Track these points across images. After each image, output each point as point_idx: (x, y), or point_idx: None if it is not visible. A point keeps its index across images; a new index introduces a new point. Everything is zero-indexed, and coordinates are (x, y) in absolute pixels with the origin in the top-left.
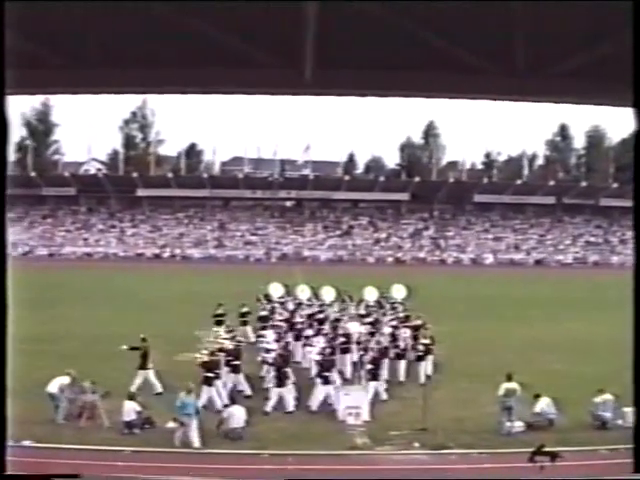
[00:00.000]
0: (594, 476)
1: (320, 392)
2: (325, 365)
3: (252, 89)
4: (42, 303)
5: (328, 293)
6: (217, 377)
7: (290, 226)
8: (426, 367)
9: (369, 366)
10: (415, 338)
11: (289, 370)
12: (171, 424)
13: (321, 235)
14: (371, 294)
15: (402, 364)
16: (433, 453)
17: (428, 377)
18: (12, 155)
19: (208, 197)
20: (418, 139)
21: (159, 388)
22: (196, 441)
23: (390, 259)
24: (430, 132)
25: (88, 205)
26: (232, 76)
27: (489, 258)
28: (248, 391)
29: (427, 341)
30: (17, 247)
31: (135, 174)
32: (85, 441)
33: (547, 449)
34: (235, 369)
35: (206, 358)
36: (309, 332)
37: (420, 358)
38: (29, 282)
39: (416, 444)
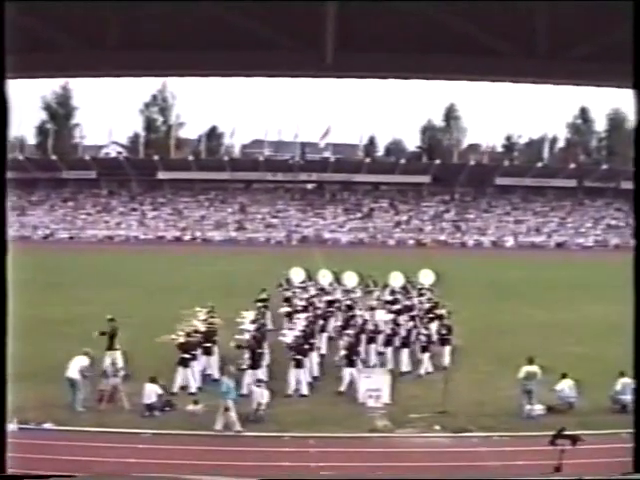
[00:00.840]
0: (594, 475)
1: (346, 375)
2: (350, 352)
3: (273, 72)
4: (62, 285)
5: (350, 278)
6: (194, 358)
7: (311, 209)
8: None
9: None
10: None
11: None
12: (191, 407)
13: (342, 218)
14: (397, 279)
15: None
16: (454, 436)
17: (444, 367)
18: (33, 138)
19: (229, 180)
20: (439, 121)
21: (123, 370)
22: (238, 424)
23: (411, 242)
24: (451, 114)
25: (109, 188)
26: (253, 59)
27: (510, 241)
28: (216, 375)
29: (445, 331)
30: (38, 230)
31: (156, 157)
32: (105, 424)
33: (568, 432)
34: (208, 351)
35: (182, 339)
36: (332, 320)
37: (441, 343)
38: (50, 265)
39: (437, 427)
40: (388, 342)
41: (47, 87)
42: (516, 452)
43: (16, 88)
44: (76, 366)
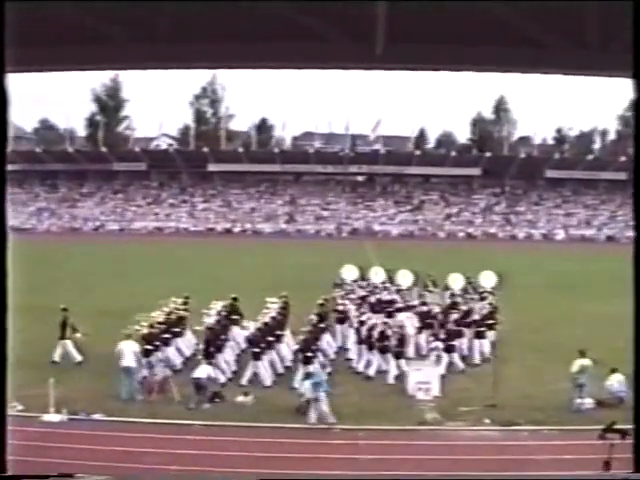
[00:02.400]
0: (594, 474)
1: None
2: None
3: (323, 64)
4: (114, 277)
5: (405, 277)
6: (156, 349)
7: (361, 201)
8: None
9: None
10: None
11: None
12: (241, 398)
13: (392, 210)
14: (457, 281)
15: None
16: (503, 429)
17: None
18: (83, 131)
19: (279, 172)
20: (489, 114)
21: (78, 357)
22: (331, 417)
23: (461, 234)
24: (501, 107)
25: (159, 180)
26: (304, 51)
27: (560, 234)
28: (179, 366)
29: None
30: (88, 222)
31: (206, 149)
32: (156, 415)
33: (618, 427)
34: (167, 342)
35: (145, 330)
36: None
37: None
38: (101, 256)
39: (486, 420)
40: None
41: (97, 79)
42: (565, 446)
43: (66, 80)
44: (130, 354)
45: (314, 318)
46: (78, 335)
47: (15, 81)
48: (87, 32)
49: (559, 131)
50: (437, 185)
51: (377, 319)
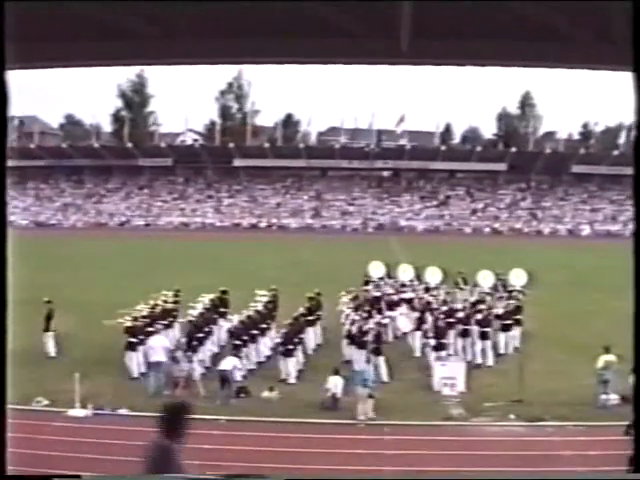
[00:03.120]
0: (594, 474)
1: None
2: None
3: (349, 59)
4: (140, 273)
5: (434, 275)
6: (141, 343)
7: (387, 196)
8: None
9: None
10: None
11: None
12: (267, 393)
13: (418, 205)
14: (486, 279)
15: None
16: (528, 425)
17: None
18: (109, 126)
19: (305, 167)
20: (515, 109)
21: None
22: (371, 412)
23: (487, 229)
24: (527, 102)
25: (185, 175)
26: (329, 46)
27: (586, 229)
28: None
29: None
30: (114, 217)
31: (232, 144)
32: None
33: None
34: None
35: (129, 324)
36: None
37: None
38: (128, 252)
39: (511, 416)
40: (465, 333)
41: (123, 75)
42: (590, 442)
43: (91, 76)
44: (160, 349)
45: (301, 311)
46: (54, 330)
47: (41, 77)
48: (112, 28)
49: (585, 126)
50: (463, 180)
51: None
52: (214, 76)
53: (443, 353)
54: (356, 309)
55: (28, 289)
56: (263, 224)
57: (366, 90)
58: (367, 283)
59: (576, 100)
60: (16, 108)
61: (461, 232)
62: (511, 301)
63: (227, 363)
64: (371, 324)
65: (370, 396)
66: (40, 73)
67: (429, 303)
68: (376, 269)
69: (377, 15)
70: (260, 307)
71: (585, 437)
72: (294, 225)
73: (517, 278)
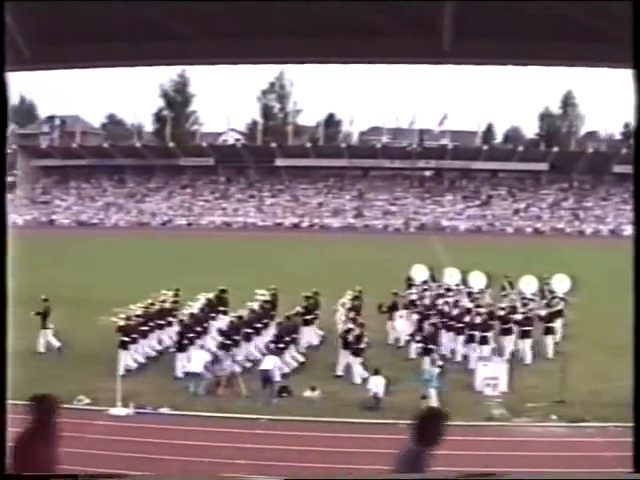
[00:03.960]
0: (594, 474)
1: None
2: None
3: (391, 58)
4: (181, 272)
5: (478, 279)
6: (134, 341)
7: (429, 196)
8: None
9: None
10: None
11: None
12: (308, 393)
13: (460, 205)
14: (530, 285)
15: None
16: (570, 426)
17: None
18: (150, 126)
19: (347, 167)
20: (557, 109)
21: (57, 344)
22: None
23: (529, 229)
24: (568, 102)
25: (227, 175)
26: (370, 45)
27: (628, 229)
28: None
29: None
30: (156, 217)
31: (274, 144)
32: (223, 409)
33: None
34: (145, 334)
35: (122, 323)
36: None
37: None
38: (170, 251)
39: (553, 416)
40: (506, 331)
41: (165, 75)
42: (632, 443)
43: (134, 76)
44: (199, 361)
45: (297, 311)
46: (50, 327)
47: (83, 77)
48: (154, 28)
49: (627, 126)
50: (505, 180)
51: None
52: (256, 75)
53: (485, 352)
54: (352, 310)
55: (62, 288)
56: (305, 224)
57: (408, 90)
58: (410, 287)
59: (618, 99)
60: (58, 108)
61: (503, 232)
62: (553, 308)
63: (268, 362)
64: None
65: (424, 397)
66: (82, 73)
67: (470, 310)
68: (419, 272)
69: (419, 14)
70: (256, 306)
71: (626, 438)
72: (336, 225)
73: (560, 283)
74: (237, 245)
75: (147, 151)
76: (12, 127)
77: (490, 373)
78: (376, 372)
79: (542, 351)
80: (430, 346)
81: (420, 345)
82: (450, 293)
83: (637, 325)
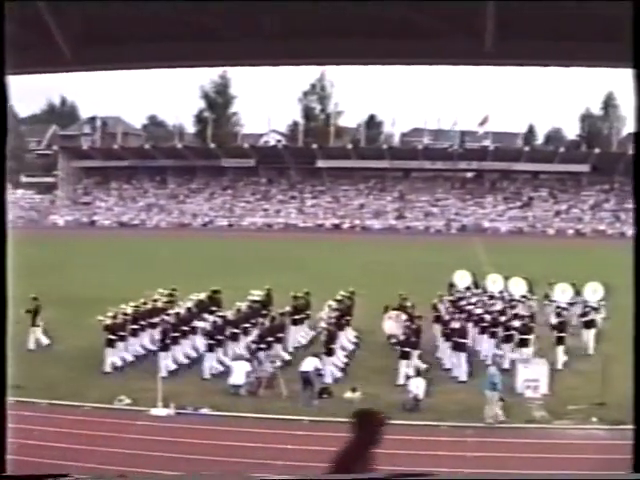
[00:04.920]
0: (594, 474)
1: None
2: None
3: (433, 60)
4: (221, 273)
5: (518, 285)
6: (121, 339)
7: (470, 197)
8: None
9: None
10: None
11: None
12: (349, 394)
13: (501, 206)
14: (565, 293)
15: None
16: (611, 428)
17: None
18: (192, 127)
19: (388, 168)
20: (598, 110)
21: (46, 341)
22: (501, 414)
23: (570, 231)
24: (610, 103)
25: (268, 176)
26: (412, 47)
27: None
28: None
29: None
30: (197, 218)
31: (315, 145)
32: (263, 410)
33: None
34: (135, 333)
35: (109, 321)
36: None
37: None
38: (211, 252)
39: (594, 419)
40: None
41: (206, 76)
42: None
43: (175, 77)
44: (241, 372)
45: (285, 310)
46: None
47: (124, 78)
48: (196, 29)
49: None
50: (546, 182)
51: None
52: (297, 77)
53: (525, 354)
54: (337, 311)
55: (102, 289)
56: (346, 225)
57: (450, 91)
58: (452, 292)
59: None
60: (99, 109)
61: (544, 234)
62: (588, 317)
63: (308, 364)
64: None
65: (500, 399)
66: (124, 74)
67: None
68: (462, 278)
69: (461, 16)
70: (244, 307)
71: None
72: (377, 226)
73: (594, 293)
74: (278, 246)
75: (188, 152)
76: (53, 128)
77: (531, 375)
78: (417, 373)
79: (584, 352)
80: (408, 349)
81: (399, 348)
82: (492, 301)
83: (637, 325)
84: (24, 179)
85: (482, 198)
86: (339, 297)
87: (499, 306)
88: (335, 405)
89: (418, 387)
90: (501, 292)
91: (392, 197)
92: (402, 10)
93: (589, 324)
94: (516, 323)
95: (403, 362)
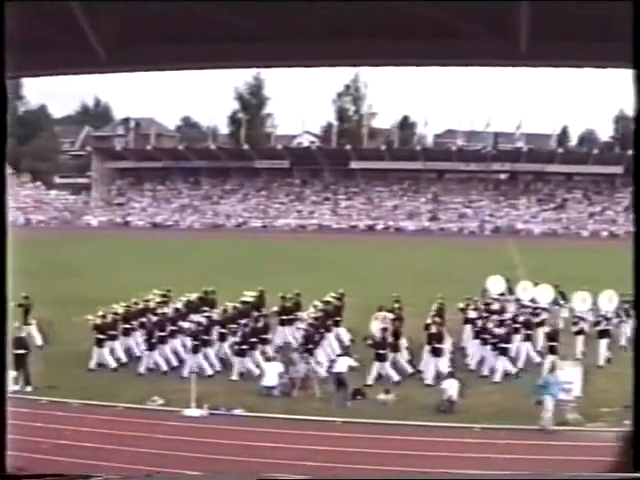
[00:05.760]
0: (594, 474)
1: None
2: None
3: (466, 61)
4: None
5: (545, 293)
6: (112, 338)
7: (504, 199)
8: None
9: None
10: None
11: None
12: (382, 396)
13: (535, 208)
14: (612, 302)
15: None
16: None
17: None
18: (225, 128)
19: (421, 169)
20: (632, 111)
21: (40, 341)
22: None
23: (604, 233)
24: None
25: (302, 177)
26: (446, 48)
27: None
28: (123, 359)
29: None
30: (231, 218)
31: (348, 146)
32: (295, 411)
33: None
34: (126, 332)
35: (99, 321)
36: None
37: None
38: (244, 253)
39: (627, 421)
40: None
41: (239, 77)
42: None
43: (209, 78)
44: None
45: (273, 310)
46: (34, 322)
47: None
48: (230, 30)
49: None
50: (580, 183)
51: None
52: (331, 78)
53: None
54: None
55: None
56: (380, 226)
57: (483, 92)
58: (485, 297)
59: None
60: (133, 110)
61: (579, 236)
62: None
63: (341, 365)
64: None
65: (549, 403)
66: (157, 75)
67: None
68: (495, 284)
69: (495, 17)
70: (230, 308)
71: None
72: (411, 228)
73: (609, 302)
74: (312, 247)
75: (222, 153)
76: (87, 129)
77: (564, 377)
78: (451, 375)
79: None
80: (382, 351)
81: (375, 350)
82: (523, 310)
83: (637, 325)
84: (58, 180)
85: (516, 200)
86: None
87: (529, 312)
88: (369, 406)
89: (452, 388)
90: (532, 300)
91: (426, 198)
92: (436, 11)
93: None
94: (546, 328)
95: (377, 364)
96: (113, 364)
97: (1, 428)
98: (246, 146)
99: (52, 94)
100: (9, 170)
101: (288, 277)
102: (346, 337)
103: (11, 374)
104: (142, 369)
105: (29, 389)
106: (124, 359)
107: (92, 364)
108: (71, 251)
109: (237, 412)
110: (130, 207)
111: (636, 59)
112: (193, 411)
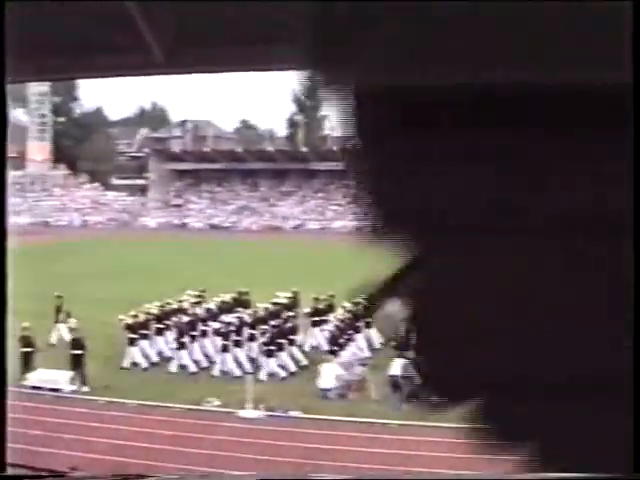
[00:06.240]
0: (594, 474)
1: None
2: None
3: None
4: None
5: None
6: (144, 337)
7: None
8: None
9: None
10: None
11: None
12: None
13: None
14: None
15: None
16: None
17: None
18: (283, 130)
19: None
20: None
21: (68, 337)
22: None
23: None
24: None
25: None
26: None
27: None
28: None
29: None
30: (288, 220)
31: None
32: (351, 413)
33: None
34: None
35: (130, 321)
36: None
37: None
38: (295, 255)
39: None
40: None
41: (296, 79)
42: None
43: (267, 81)
44: (331, 376)
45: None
46: (72, 320)
47: (216, 82)
48: (285, 31)
49: None
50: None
51: None
52: None
53: None
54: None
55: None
56: None
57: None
58: None
59: None
60: (190, 112)
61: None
62: None
63: (396, 367)
64: None
65: None
66: (214, 78)
67: None
68: None
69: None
70: (212, 306)
71: None
72: None
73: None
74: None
75: (279, 155)
76: (144, 131)
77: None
78: None
79: None
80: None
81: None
82: None
83: (637, 325)
84: (116, 181)
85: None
86: None
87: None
88: (424, 409)
89: None
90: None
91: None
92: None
93: None
94: None
95: None
96: (154, 359)
97: (1, 429)
98: (303, 148)
99: (109, 96)
100: (66, 171)
101: (342, 279)
102: (376, 339)
103: (68, 374)
104: (193, 368)
105: (86, 389)
106: (155, 358)
107: (126, 363)
108: (129, 252)
109: (293, 414)
110: (188, 208)
111: (636, 61)
112: (249, 412)
